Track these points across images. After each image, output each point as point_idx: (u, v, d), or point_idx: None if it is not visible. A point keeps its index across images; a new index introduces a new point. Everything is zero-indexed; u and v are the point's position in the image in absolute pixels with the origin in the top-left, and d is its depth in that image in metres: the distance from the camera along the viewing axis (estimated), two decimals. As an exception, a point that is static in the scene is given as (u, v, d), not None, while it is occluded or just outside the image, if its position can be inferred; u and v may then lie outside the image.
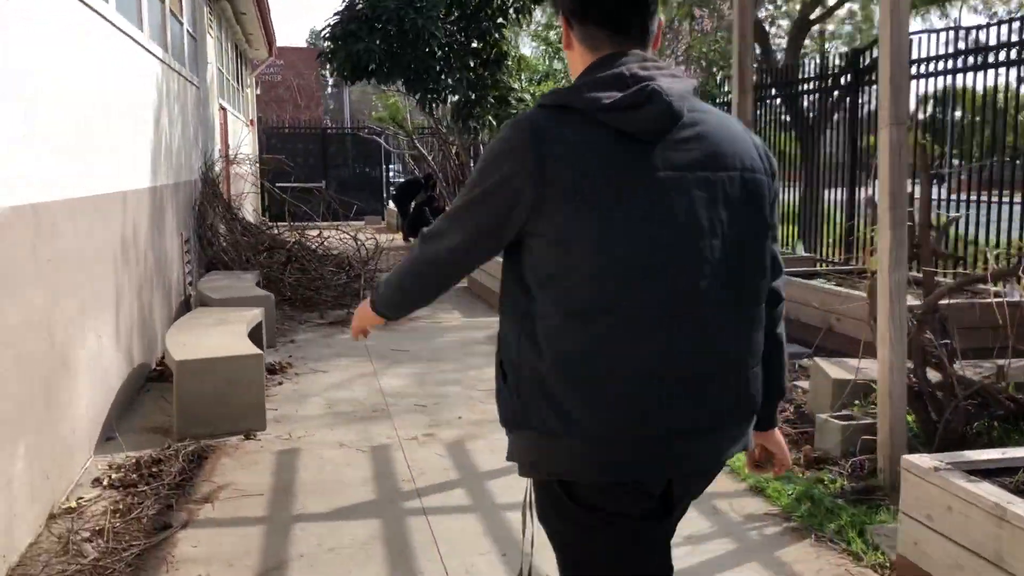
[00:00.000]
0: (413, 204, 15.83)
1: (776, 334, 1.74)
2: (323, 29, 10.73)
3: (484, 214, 1.55)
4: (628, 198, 1.47)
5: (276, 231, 10.72)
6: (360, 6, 10.55)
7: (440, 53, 10.88)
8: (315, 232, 11.12)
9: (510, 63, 11.70)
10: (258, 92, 20.14)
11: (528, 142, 1.49)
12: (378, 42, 10.36)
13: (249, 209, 14.48)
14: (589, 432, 1.50)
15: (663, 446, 1.54)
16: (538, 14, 13.86)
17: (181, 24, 8.73)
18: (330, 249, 10.60)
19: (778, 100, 10.75)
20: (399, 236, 15.94)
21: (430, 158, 14.79)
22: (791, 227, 10.46)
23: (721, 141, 1.56)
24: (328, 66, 10.91)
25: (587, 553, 1.65)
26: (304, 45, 44.91)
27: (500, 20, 11.20)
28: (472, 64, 11.33)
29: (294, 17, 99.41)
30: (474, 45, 11.30)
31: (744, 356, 1.60)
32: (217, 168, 10.31)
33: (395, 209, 16.67)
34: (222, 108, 12.73)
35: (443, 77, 10.95)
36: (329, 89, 35.72)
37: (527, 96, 11.78)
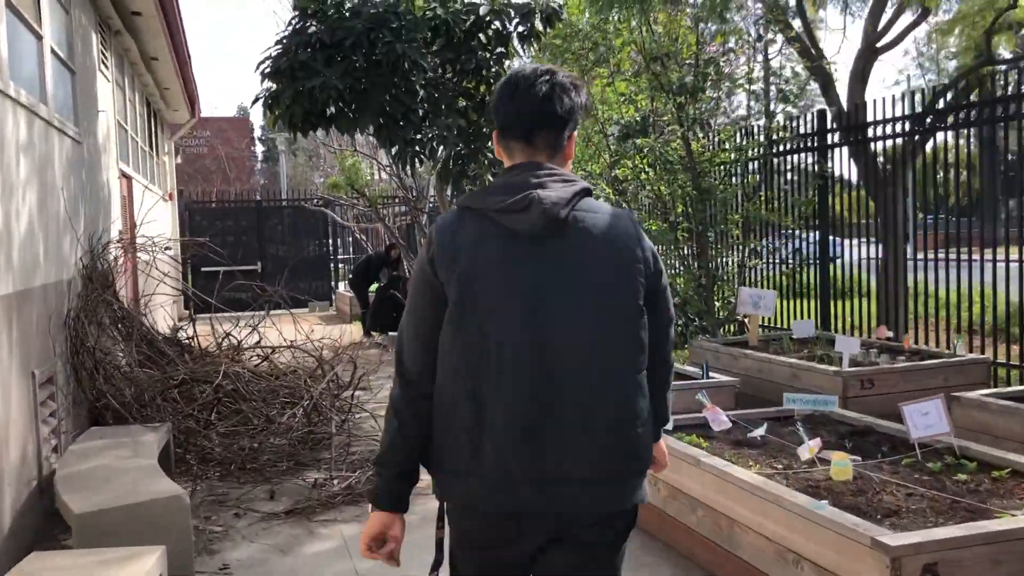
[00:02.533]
0: (376, 287, 12.83)
1: (658, 393, 2.07)
2: (261, 63, 7.75)
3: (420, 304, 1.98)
4: (511, 285, 1.86)
5: (196, 346, 7.55)
6: (313, 28, 7.64)
7: (423, 92, 8.00)
8: (254, 337, 7.96)
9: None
10: (178, 161, 16.99)
11: (433, 238, 1.94)
12: (340, 76, 7.44)
13: (165, 313, 11.16)
14: None
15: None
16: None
17: (39, 38, 5.68)
18: (279, 368, 7.47)
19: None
20: (356, 328, 12.82)
21: (394, 228, 11.85)
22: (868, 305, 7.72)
23: (600, 238, 1.90)
24: (270, 113, 7.92)
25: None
26: (233, 114, 41.79)
27: (500, 49, 8.39)
28: (464, 107, 8.46)
29: (221, 87, 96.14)
30: (466, 84, 8.44)
31: (602, 418, 1.89)
32: (114, 256, 7.21)
33: (351, 295, 13.60)
34: (124, 176, 9.62)
35: (427, 124, 8.05)
36: (259, 164, 32.62)
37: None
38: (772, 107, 8.00)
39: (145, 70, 11.36)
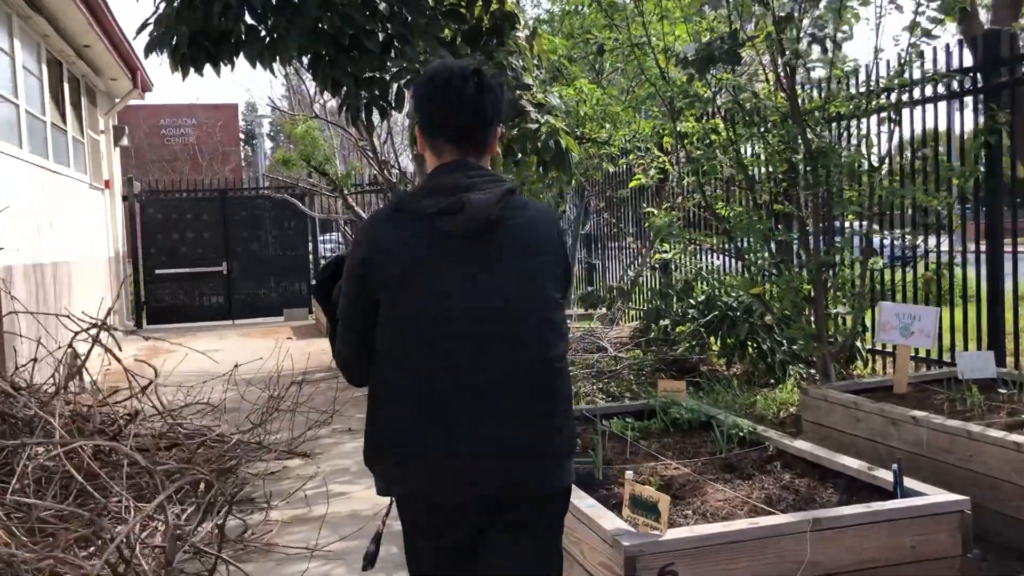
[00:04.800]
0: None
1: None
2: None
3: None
4: (444, 282, 1.96)
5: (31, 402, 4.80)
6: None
7: (385, 7, 5.18)
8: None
9: (520, 34, 6.07)
10: (125, 143, 14.18)
11: (365, 237, 2.04)
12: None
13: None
14: None
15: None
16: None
17: None
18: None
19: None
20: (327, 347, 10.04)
21: (364, 215, 9.10)
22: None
23: (525, 235, 2.02)
24: (159, 51, 5.09)
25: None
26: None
27: (502, -54, 5.58)
28: (449, 35, 5.66)
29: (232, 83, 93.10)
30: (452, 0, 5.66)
31: (528, 401, 1.99)
32: None
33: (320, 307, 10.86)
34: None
35: (391, 56, 5.22)
36: (244, 147, 29.67)
37: (554, 100, 6.13)
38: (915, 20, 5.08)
39: (32, 12, 8.55)
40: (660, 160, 6.28)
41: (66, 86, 10.35)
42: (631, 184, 6.55)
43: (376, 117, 5.27)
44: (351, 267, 2.03)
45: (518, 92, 6.04)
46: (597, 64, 7.83)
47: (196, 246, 15.04)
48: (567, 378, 2.06)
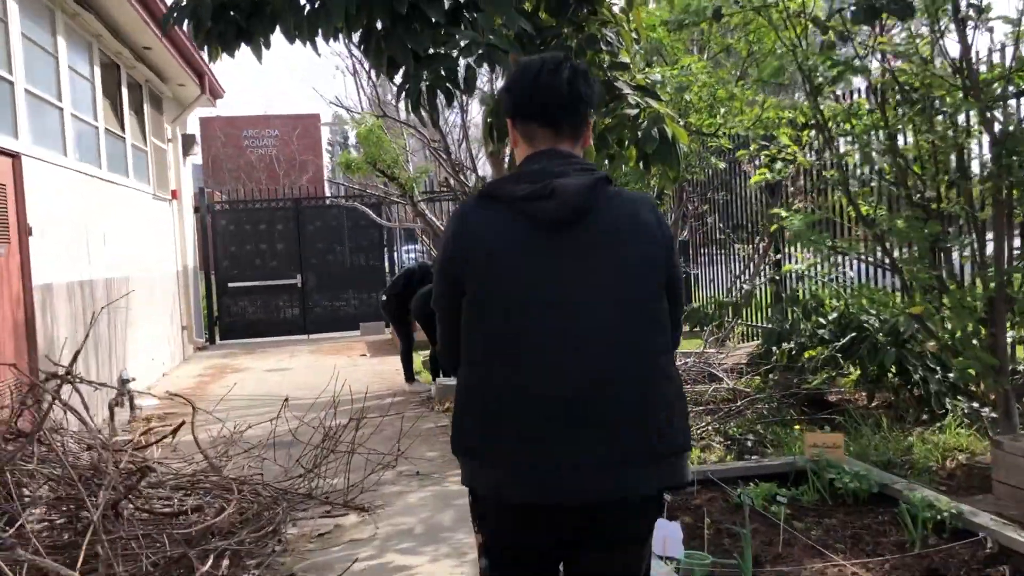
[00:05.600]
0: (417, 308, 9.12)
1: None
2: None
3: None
4: (535, 273, 1.86)
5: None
6: None
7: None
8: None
9: (615, 2, 5.08)
10: (195, 154, 13.62)
11: (453, 227, 1.96)
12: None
13: (157, 347, 7.52)
14: None
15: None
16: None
17: None
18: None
19: None
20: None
21: (439, 223, 8.14)
22: None
23: (621, 226, 1.91)
24: (179, 21, 4.20)
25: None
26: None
27: None
28: (531, 1, 4.69)
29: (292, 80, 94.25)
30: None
31: (631, 405, 1.85)
32: None
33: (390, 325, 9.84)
34: (8, 154, 6.12)
35: (458, 26, 4.22)
36: (331, 158, 29.23)
37: (656, 76, 5.10)
38: None
39: (80, 8, 7.89)
40: (790, 151, 5.13)
41: (124, 91, 9.73)
42: (754, 180, 5.44)
43: (442, 101, 4.28)
44: (440, 260, 1.99)
45: (613, 73, 5.02)
46: (703, 39, 6.70)
47: (270, 258, 14.40)
48: (673, 371, 1.94)
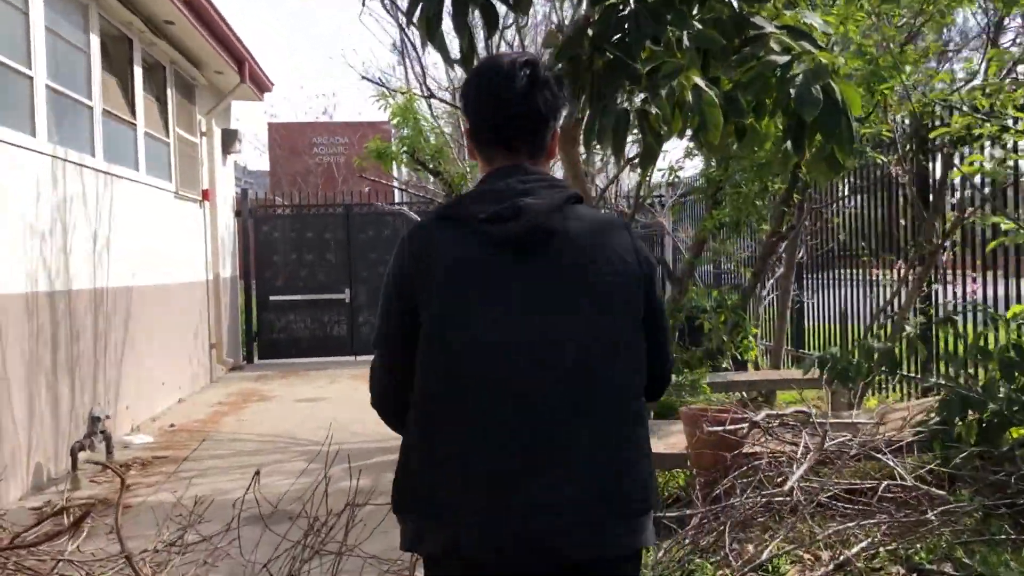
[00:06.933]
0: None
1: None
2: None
3: None
4: (496, 298, 1.68)
5: None
6: None
7: None
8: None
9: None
10: (238, 152, 12.22)
11: (406, 248, 1.76)
12: None
13: (184, 367, 5.68)
14: None
15: None
16: None
17: None
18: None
19: None
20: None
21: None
22: None
23: (592, 249, 1.72)
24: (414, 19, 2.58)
25: None
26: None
27: None
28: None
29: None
30: None
31: (596, 450, 1.67)
32: None
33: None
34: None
35: None
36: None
37: (816, 20, 3.26)
38: None
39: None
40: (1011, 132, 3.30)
41: (137, 70, 8.33)
42: (966, 169, 3.66)
43: (476, 19, 2.61)
44: (387, 283, 1.80)
45: (745, 5, 3.30)
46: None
47: (316, 270, 12.93)
48: (642, 421, 1.77)
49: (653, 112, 2.88)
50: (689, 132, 3.20)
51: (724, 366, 6.59)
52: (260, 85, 11.96)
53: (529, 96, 1.74)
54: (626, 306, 1.74)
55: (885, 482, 3.54)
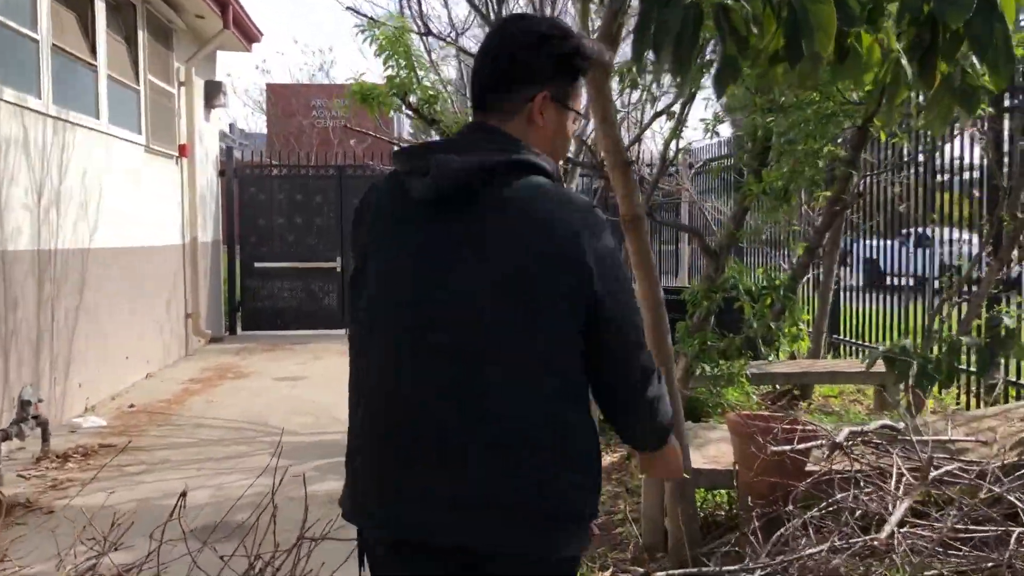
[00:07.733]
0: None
1: (622, 416, 1.71)
2: None
3: None
4: (401, 260, 1.58)
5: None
6: None
7: None
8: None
9: None
10: (222, 105, 11.25)
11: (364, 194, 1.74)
12: None
13: (154, 338, 4.65)
14: None
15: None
16: None
17: None
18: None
19: None
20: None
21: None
22: None
23: (523, 221, 1.54)
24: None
25: None
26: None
27: None
28: None
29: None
30: None
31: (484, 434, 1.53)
32: None
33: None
34: None
35: None
36: (406, 126, 26.82)
37: None
38: None
39: None
40: None
41: (100, 4, 7.35)
42: None
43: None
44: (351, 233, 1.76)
45: None
46: None
47: (305, 235, 12.00)
48: (572, 417, 1.57)
49: (740, 4, 1.96)
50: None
51: (770, 358, 5.69)
52: (247, 33, 10.96)
53: (500, 56, 1.65)
54: (551, 286, 1.54)
55: (1017, 530, 2.64)
